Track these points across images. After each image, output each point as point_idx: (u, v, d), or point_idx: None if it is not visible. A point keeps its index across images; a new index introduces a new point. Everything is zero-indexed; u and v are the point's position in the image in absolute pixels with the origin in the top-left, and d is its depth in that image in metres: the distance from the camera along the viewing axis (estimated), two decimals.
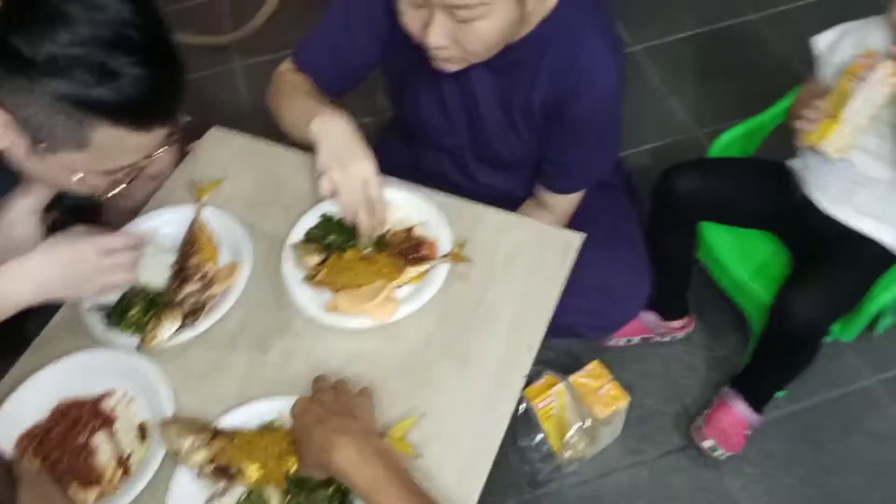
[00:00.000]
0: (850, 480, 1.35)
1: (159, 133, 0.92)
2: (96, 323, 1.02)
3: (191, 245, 1.09)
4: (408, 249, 1.07)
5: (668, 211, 1.36)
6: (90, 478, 0.91)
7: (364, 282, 1.03)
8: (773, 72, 2.00)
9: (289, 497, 0.86)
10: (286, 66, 1.24)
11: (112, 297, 1.05)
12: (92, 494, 0.90)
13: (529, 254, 1.09)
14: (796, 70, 1.98)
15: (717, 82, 2.00)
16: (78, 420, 0.95)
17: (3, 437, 0.93)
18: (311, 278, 1.05)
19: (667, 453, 1.41)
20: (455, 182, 1.38)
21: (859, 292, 1.23)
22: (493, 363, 0.98)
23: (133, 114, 0.85)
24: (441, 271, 1.05)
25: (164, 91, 0.88)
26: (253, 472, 0.86)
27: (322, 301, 1.03)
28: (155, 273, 1.07)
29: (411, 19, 0.99)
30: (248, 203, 1.16)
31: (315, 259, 1.07)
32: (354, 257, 1.06)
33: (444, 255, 1.06)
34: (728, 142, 1.43)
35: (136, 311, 1.03)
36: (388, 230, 1.10)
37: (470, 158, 1.32)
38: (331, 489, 0.84)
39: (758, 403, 1.37)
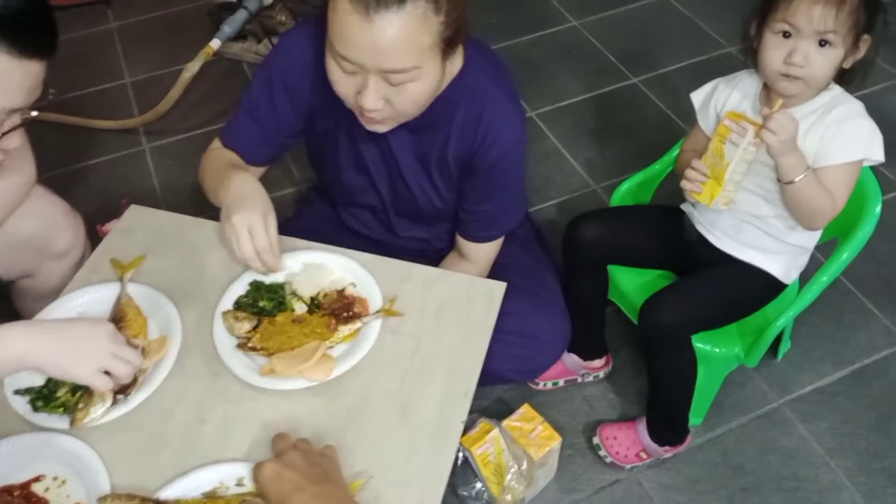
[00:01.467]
0: (770, 498, 1.44)
1: (34, 70, 0.94)
2: (21, 406, 0.99)
3: (118, 321, 1.08)
4: (340, 309, 1.10)
5: (577, 257, 1.46)
6: None
7: (298, 343, 1.05)
8: (656, 127, 2.20)
9: None
10: (214, 145, 1.29)
11: (37, 380, 1.02)
12: None
13: (457, 305, 1.14)
14: (675, 124, 2.19)
15: (608, 141, 2.17)
16: None
17: None
18: (243, 345, 1.06)
19: (601, 489, 1.46)
20: (379, 239, 1.44)
21: (725, 308, 1.35)
22: (432, 412, 1.01)
23: (12, 27, 0.88)
24: (374, 327, 1.08)
25: (41, 11, 0.92)
26: None
27: (257, 366, 1.04)
28: None
29: (344, 86, 1.05)
30: (174, 276, 1.16)
31: (246, 326, 1.08)
32: (287, 320, 1.08)
33: (376, 312, 1.10)
34: (626, 191, 1.55)
35: (64, 391, 1.01)
36: (319, 292, 1.14)
37: (392, 214, 1.38)
38: None
39: (656, 433, 1.45)
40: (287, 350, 1.05)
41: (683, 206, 1.43)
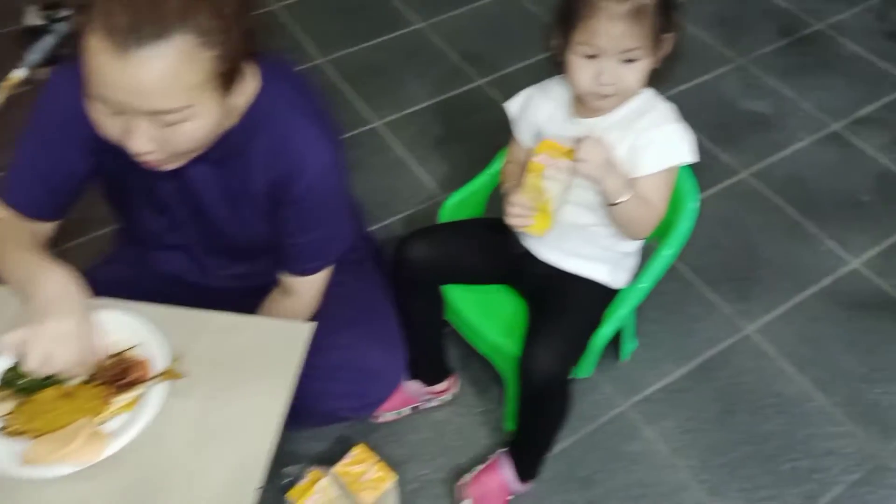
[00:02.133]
0: None
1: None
2: None
3: None
4: (115, 376, 1.00)
5: (407, 280, 1.41)
6: None
7: (65, 422, 0.95)
8: (504, 130, 2.16)
9: None
10: None
11: None
12: None
13: (256, 355, 1.06)
14: None
15: (455, 148, 2.13)
16: None
17: None
18: (5, 429, 0.95)
19: None
20: (195, 281, 1.33)
21: (588, 332, 1.33)
22: (220, 482, 0.93)
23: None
24: (158, 392, 0.99)
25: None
26: None
27: (19, 452, 0.93)
28: None
29: (110, 127, 0.95)
30: None
31: (7, 407, 0.96)
32: (51, 396, 0.97)
33: (156, 376, 1.00)
34: (455, 206, 1.51)
35: None
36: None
37: (203, 254, 1.28)
38: None
39: (525, 472, 1.42)
40: (55, 430, 0.94)
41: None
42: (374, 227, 1.90)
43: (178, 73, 0.88)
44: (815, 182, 2.03)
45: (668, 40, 1.18)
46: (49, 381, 0.99)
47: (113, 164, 1.14)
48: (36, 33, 1.99)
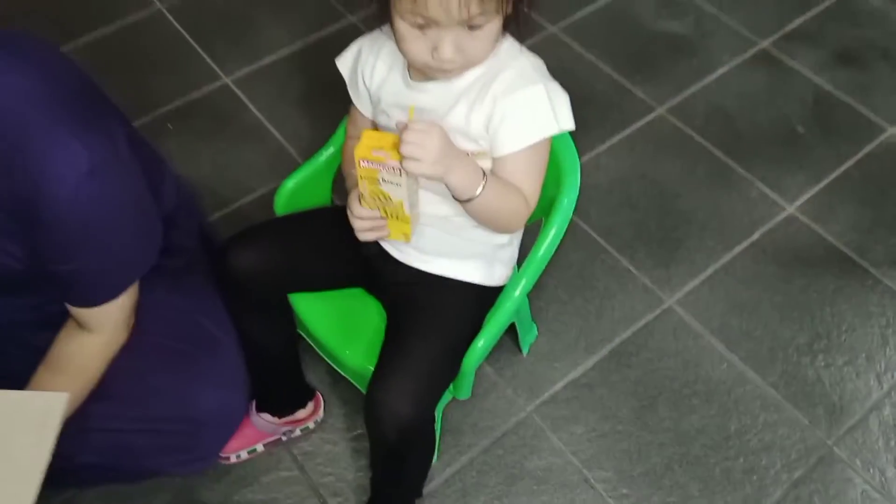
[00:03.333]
0: None
1: None
2: None
3: None
4: None
5: (235, 293, 1.11)
6: None
7: None
8: None
9: None
10: None
11: None
12: None
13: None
14: None
15: (325, 104, 1.79)
16: None
17: None
18: None
19: None
20: None
21: (460, 351, 1.06)
22: None
23: None
24: None
25: None
26: None
27: None
28: None
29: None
30: None
31: None
32: None
33: None
34: (292, 190, 1.20)
35: None
36: None
37: None
38: None
39: None
40: None
41: None
42: (221, 213, 1.58)
43: None
44: (742, 114, 1.76)
45: None
46: None
47: None
48: None
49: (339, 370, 1.18)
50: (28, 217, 0.87)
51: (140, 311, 1.03)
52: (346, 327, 1.15)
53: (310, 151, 1.68)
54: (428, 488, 1.24)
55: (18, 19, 1.88)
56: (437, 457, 1.26)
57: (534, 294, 1.31)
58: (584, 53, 1.84)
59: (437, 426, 1.19)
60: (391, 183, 0.88)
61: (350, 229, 1.01)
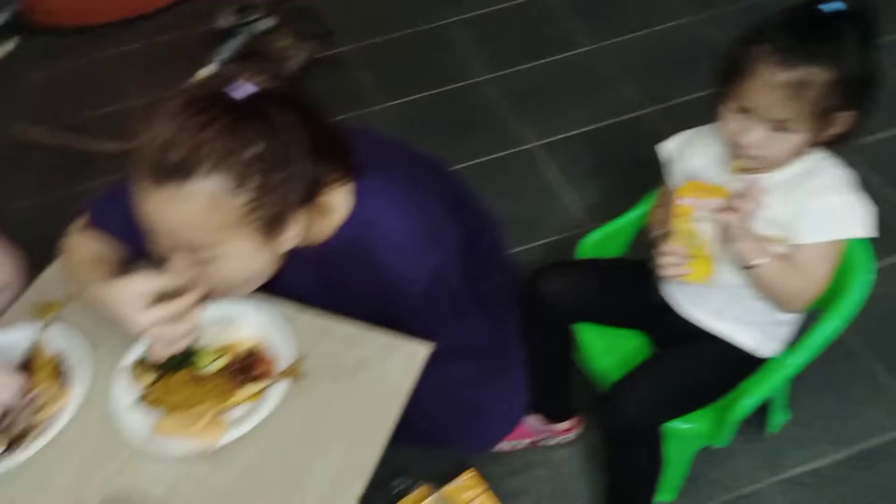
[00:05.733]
0: None
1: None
2: None
3: (26, 368, 1.09)
4: (242, 369, 1.08)
5: (537, 314, 1.39)
6: None
7: (194, 403, 1.03)
8: None
9: None
10: (77, 225, 1.20)
11: None
12: None
13: (374, 366, 1.10)
14: None
15: (611, 177, 2.09)
16: None
17: None
18: (143, 398, 1.06)
19: None
20: None
21: (704, 394, 1.25)
22: (325, 485, 0.97)
23: None
24: (280, 388, 1.05)
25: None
26: None
27: (151, 422, 1.03)
28: None
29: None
30: (95, 326, 1.16)
31: (149, 379, 1.07)
32: (185, 378, 1.06)
33: (280, 374, 1.07)
34: (596, 242, 1.48)
35: None
36: (226, 349, 1.11)
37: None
38: None
39: None
40: (185, 408, 1.03)
41: (652, 263, 1.35)
42: (515, 250, 1.91)
43: (201, 212, 0.89)
44: None
45: (845, 119, 1.08)
46: (187, 362, 1.09)
47: None
48: (227, 34, 2.21)
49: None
50: (388, 305, 1.12)
51: (455, 315, 1.25)
52: (609, 351, 1.39)
53: (592, 213, 1.99)
54: None
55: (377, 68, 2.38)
56: (675, 496, 1.44)
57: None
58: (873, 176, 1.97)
59: (682, 465, 1.38)
60: (704, 220, 1.12)
61: (642, 282, 1.26)
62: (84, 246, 1.16)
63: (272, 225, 0.95)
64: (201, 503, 0.95)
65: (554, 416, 1.51)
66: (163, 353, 1.04)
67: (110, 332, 1.15)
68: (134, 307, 0.98)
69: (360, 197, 1.06)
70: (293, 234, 0.99)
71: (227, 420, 1.03)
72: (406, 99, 2.41)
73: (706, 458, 1.47)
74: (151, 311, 0.98)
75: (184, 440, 1.00)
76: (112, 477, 0.99)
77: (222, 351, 1.10)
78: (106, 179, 2.23)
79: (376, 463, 1.00)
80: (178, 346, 1.04)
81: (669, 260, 1.18)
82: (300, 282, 1.15)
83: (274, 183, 0.91)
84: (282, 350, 1.10)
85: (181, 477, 0.99)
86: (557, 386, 1.49)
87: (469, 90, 2.42)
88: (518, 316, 1.41)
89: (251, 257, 0.97)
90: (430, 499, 1.30)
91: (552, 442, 1.54)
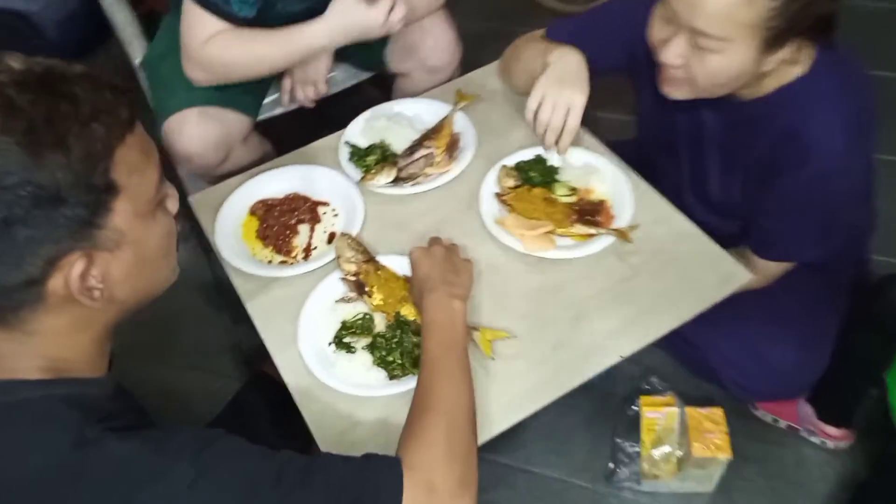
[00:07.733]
0: None
1: None
2: (344, 153, 1.38)
3: (434, 133, 1.39)
4: (585, 211, 1.25)
5: (874, 318, 1.34)
6: (282, 248, 1.27)
7: (537, 216, 1.24)
8: None
9: (388, 326, 1.13)
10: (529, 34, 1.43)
11: (362, 141, 1.40)
12: (278, 258, 1.26)
13: (690, 265, 1.19)
14: None
15: None
16: (296, 208, 1.31)
17: (247, 195, 1.33)
18: (499, 196, 1.29)
19: None
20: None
21: None
22: (599, 335, 1.12)
23: None
24: (604, 242, 1.21)
25: None
26: (377, 297, 1.14)
27: (498, 216, 1.27)
28: (399, 139, 1.40)
29: (657, 31, 1.11)
30: (493, 125, 1.42)
31: (511, 182, 1.30)
32: (540, 195, 1.27)
33: (613, 230, 1.22)
34: None
35: (372, 157, 1.36)
36: (582, 189, 1.29)
37: (688, 193, 1.36)
38: (418, 338, 1.09)
39: None
40: (527, 216, 1.25)
41: None
42: (877, 258, 1.77)
43: (733, 3, 0.96)
44: None
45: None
46: (546, 184, 1.29)
47: (644, 79, 1.26)
48: None
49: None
50: (772, 179, 1.15)
51: (790, 276, 1.30)
52: None
53: None
54: None
55: None
56: None
57: None
58: None
59: None
60: None
61: None
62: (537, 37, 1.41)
63: (774, 41, 1.01)
64: (497, 288, 1.18)
65: (827, 416, 1.48)
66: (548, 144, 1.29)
67: (504, 134, 1.40)
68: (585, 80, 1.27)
69: (812, 72, 1.09)
70: (777, 59, 1.04)
71: (555, 242, 1.22)
72: None
73: None
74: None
75: (513, 237, 1.22)
76: (451, 235, 1.25)
77: (575, 190, 1.29)
78: None
79: (656, 339, 1.11)
80: None
81: None
82: (707, 143, 1.26)
83: (804, 8, 0.97)
84: (624, 212, 1.25)
85: (498, 262, 1.21)
86: (849, 391, 1.44)
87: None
88: (840, 309, 1.39)
89: (742, 62, 1.03)
90: (673, 409, 1.39)
91: (812, 438, 1.51)
